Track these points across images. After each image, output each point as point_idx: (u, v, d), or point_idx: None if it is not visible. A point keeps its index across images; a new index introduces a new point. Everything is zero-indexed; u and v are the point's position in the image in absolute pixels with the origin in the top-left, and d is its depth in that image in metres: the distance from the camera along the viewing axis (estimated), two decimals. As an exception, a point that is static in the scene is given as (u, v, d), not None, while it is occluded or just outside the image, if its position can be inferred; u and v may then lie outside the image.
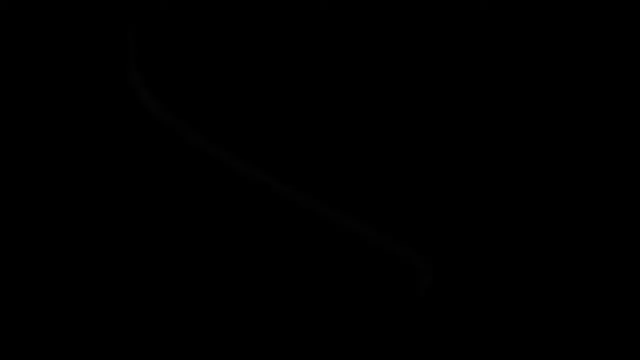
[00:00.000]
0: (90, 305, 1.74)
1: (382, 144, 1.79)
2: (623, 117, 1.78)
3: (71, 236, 1.77)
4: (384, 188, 1.76)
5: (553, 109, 1.79)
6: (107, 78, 1.82)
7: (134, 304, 1.74)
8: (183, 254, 1.76)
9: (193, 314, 1.73)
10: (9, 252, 1.76)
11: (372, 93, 1.81)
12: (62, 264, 1.76)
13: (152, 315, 1.73)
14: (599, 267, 1.72)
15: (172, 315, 1.73)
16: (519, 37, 1.82)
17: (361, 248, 1.71)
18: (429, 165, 1.77)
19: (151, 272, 1.75)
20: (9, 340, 1.72)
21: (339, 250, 1.72)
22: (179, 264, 1.75)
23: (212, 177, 1.77)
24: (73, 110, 1.82)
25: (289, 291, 1.72)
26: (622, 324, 1.69)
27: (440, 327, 1.69)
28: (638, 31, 1.80)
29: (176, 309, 1.74)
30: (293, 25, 1.85)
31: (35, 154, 1.81)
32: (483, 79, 1.81)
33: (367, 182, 1.76)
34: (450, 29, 1.83)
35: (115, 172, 1.79)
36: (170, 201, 1.78)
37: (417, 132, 1.79)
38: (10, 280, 1.75)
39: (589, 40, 1.81)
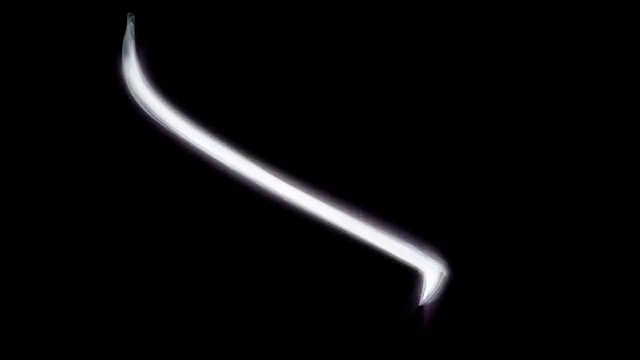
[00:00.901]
0: (89, 305, 1.74)
1: (390, 148, 1.79)
2: (623, 117, 1.79)
3: (71, 236, 1.76)
4: (390, 191, 1.76)
5: (558, 110, 1.80)
6: (107, 77, 1.82)
7: (133, 304, 1.74)
8: (183, 253, 1.75)
9: (193, 314, 1.73)
10: (7, 249, 1.76)
11: (381, 95, 1.81)
12: (62, 263, 1.76)
13: (152, 315, 1.73)
14: (600, 267, 1.73)
15: (172, 315, 1.73)
16: (519, 37, 1.82)
17: (369, 252, 1.71)
18: (437, 169, 1.78)
19: (151, 272, 1.74)
20: (9, 340, 1.73)
21: (348, 253, 1.72)
22: (178, 264, 1.75)
23: (212, 177, 1.76)
24: (73, 110, 1.81)
25: (299, 293, 1.73)
26: (625, 325, 1.70)
27: (447, 330, 1.70)
28: (638, 31, 1.81)
29: (176, 309, 1.73)
30: (293, 25, 1.84)
31: (35, 153, 1.80)
32: (484, 79, 1.81)
33: (374, 186, 1.76)
34: (450, 29, 1.83)
35: (115, 172, 1.79)
36: (170, 201, 1.77)
37: (426, 138, 1.79)
38: (8, 280, 1.75)
39: (589, 40, 1.81)
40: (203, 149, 1.76)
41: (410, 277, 1.70)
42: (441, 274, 1.70)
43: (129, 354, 1.72)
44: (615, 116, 1.78)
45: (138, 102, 1.79)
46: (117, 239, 1.76)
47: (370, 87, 1.81)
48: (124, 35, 1.81)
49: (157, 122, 1.78)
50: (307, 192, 1.73)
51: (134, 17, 1.82)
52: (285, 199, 1.73)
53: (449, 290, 1.69)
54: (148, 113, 1.78)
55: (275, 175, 1.74)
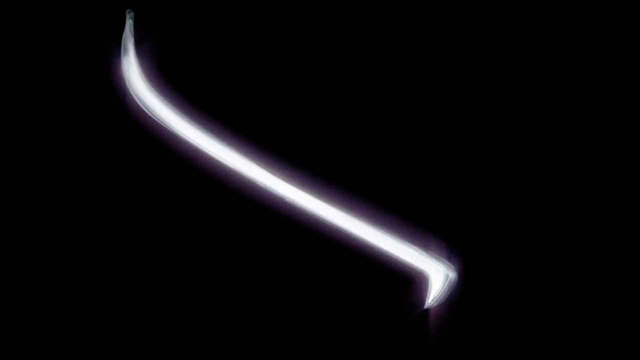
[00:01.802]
0: (89, 306, 1.74)
1: (396, 149, 1.78)
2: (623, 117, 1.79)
3: (71, 236, 1.77)
4: (396, 193, 1.75)
5: (567, 109, 1.79)
6: (105, 75, 1.81)
7: (133, 304, 1.74)
8: (182, 253, 1.75)
9: (193, 314, 1.72)
10: (7, 248, 1.76)
11: (386, 95, 1.80)
12: (62, 261, 1.76)
13: (152, 315, 1.73)
14: (601, 268, 1.72)
15: (172, 315, 1.73)
16: (519, 37, 1.81)
17: (376, 255, 1.70)
18: (444, 171, 1.77)
19: (151, 272, 1.74)
20: (8, 340, 1.73)
21: (352, 255, 1.71)
22: (178, 264, 1.75)
23: (212, 177, 1.75)
24: (71, 108, 1.81)
25: (301, 296, 1.73)
26: (630, 326, 1.69)
27: (451, 331, 1.69)
28: (638, 31, 1.80)
29: (176, 309, 1.73)
30: (293, 23, 1.84)
31: (32, 152, 1.80)
32: (489, 79, 1.80)
33: (380, 187, 1.75)
34: (450, 29, 1.82)
35: (115, 172, 1.79)
36: (170, 201, 1.77)
37: (432, 139, 1.79)
38: (6, 281, 1.75)
39: (589, 40, 1.80)
40: (203, 149, 1.75)
41: (416, 279, 1.70)
42: (447, 277, 1.69)
43: (129, 353, 1.72)
44: (623, 111, 1.78)
45: (137, 100, 1.78)
46: (117, 239, 1.76)
47: (377, 88, 1.80)
48: (122, 32, 1.80)
49: (156, 121, 1.76)
50: (310, 193, 1.72)
51: (132, 13, 1.81)
52: (287, 200, 1.71)
53: (455, 292, 1.69)
54: (147, 111, 1.77)
55: (277, 175, 1.73)
